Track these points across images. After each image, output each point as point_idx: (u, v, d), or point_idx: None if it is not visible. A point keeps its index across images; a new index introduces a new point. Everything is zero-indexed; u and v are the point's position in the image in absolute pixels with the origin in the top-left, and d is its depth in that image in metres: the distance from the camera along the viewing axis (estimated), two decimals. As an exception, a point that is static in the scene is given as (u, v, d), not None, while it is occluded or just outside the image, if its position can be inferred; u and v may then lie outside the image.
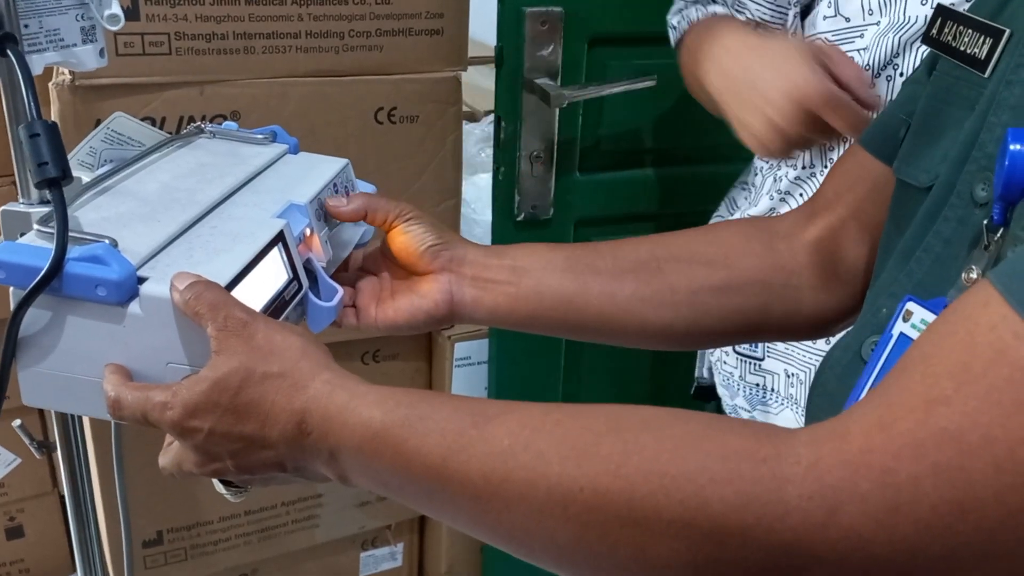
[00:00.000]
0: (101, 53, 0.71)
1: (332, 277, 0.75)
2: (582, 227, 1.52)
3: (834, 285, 0.77)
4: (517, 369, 1.55)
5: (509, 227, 1.47)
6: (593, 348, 1.54)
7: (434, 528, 1.68)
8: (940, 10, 0.64)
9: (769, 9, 1.07)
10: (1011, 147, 0.49)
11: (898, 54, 1.00)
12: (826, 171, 1.08)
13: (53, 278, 0.59)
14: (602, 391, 1.60)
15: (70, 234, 0.61)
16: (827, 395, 0.63)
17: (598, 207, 1.53)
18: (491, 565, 1.67)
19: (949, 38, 0.62)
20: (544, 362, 1.58)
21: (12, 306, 0.61)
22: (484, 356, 1.55)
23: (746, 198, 1.19)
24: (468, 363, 1.55)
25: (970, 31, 0.60)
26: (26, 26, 0.65)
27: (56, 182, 0.62)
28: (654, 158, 1.55)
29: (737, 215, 1.20)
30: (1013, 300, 0.41)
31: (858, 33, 1.02)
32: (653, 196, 1.56)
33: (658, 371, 1.62)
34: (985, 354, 0.41)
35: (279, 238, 0.68)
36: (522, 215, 1.47)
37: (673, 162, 1.56)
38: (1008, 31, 0.57)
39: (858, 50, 1.02)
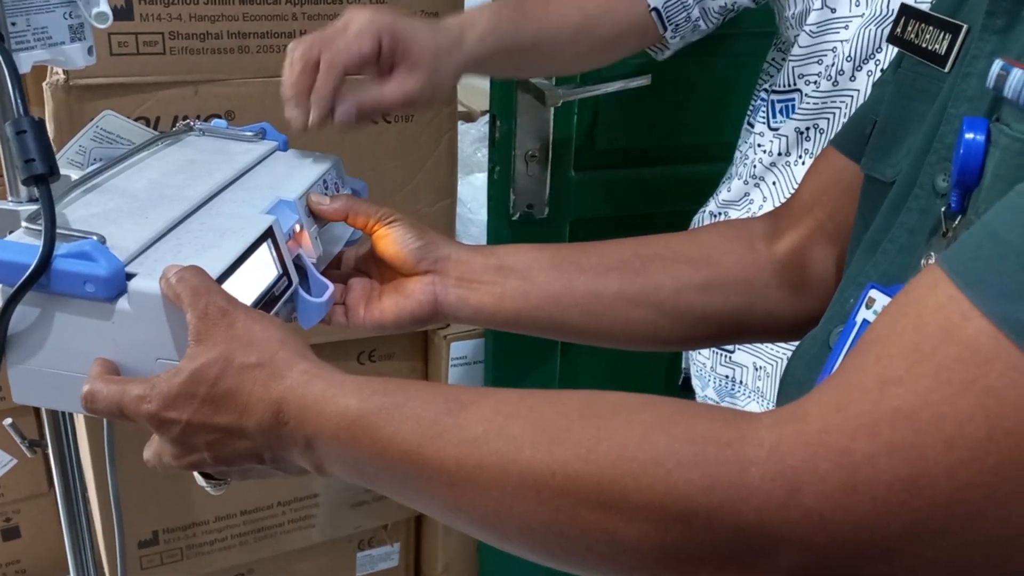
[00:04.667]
0: (90, 51, 0.71)
1: (324, 275, 0.75)
2: (577, 226, 1.53)
3: (810, 289, 0.78)
4: (512, 369, 1.55)
5: (504, 226, 1.47)
6: (588, 348, 1.54)
7: (430, 527, 1.68)
8: (904, 9, 0.66)
9: None
10: (966, 135, 0.50)
11: (880, 48, 1.00)
12: (800, 159, 1.09)
13: (41, 275, 0.59)
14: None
15: (58, 231, 0.61)
16: (795, 383, 0.65)
17: (593, 206, 1.53)
18: (487, 564, 1.67)
19: (912, 36, 0.64)
20: (540, 362, 1.58)
21: (0, 303, 0.61)
22: (480, 356, 1.55)
23: (727, 186, 1.20)
24: (464, 363, 1.55)
25: (931, 28, 0.62)
26: (13, 24, 0.65)
27: (43, 178, 0.62)
28: (649, 157, 1.55)
29: (712, 203, 1.21)
30: (959, 281, 0.42)
31: (843, 24, 1.03)
32: (648, 195, 1.56)
33: (654, 370, 1.62)
34: (934, 334, 0.42)
35: (268, 234, 0.68)
36: (517, 214, 1.47)
37: (668, 161, 1.56)
38: (966, 26, 0.59)
39: (841, 41, 1.02)
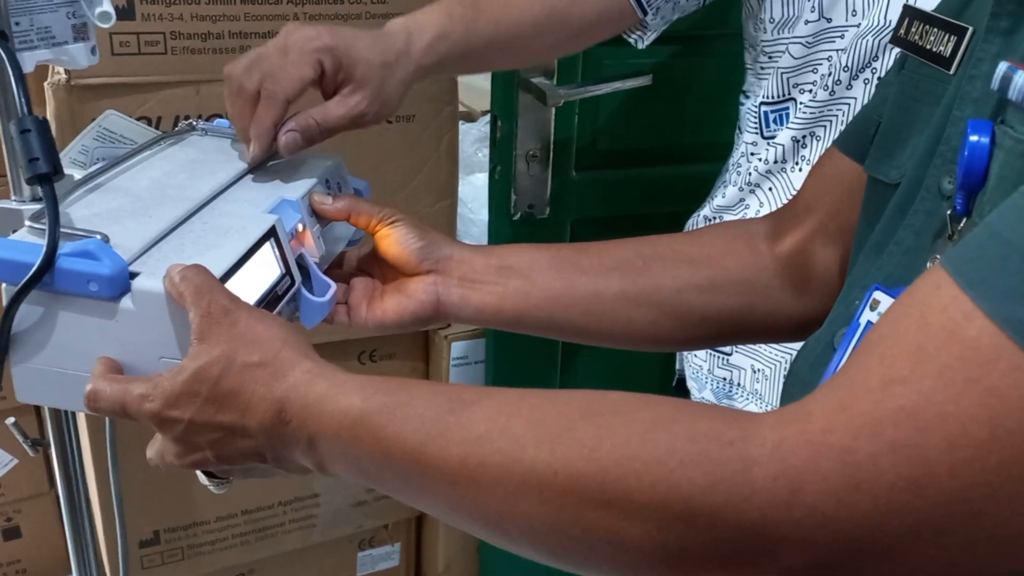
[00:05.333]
0: (93, 51, 0.72)
1: (326, 274, 0.75)
2: (578, 226, 1.53)
3: (812, 290, 0.78)
4: (513, 369, 1.55)
5: (505, 227, 1.48)
6: (589, 348, 1.54)
7: (431, 527, 1.68)
8: (907, 10, 0.66)
9: None
10: (971, 138, 0.50)
11: (876, 57, 1.00)
12: (796, 167, 1.09)
13: (45, 274, 0.60)
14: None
15: (62, 230, 0.61)
16: (800, 384, 0.65)
17: (594, 206, 1.53)
18: (488, 564, 1.68)
19: (916, 37, 0.64)
20: (540, 361, 1.58)
21: (4, 302, 0.61)
22: (481, 356, 1.55)
23: (722, 193, 1.20)
24: (465, 363, 1.55)
25: (936, 30, 0.62)
26: (17, 23, 0.65)
27: (47, 178, 0.62)
28: (650, 157, 1.55)
29: (707, 208, 1.21)
30: (963, 281, 0.43)
31: (839, 34, 1.03)
32: (649, 195, 1.56)
33: (653, 369, 1.63)
34: (938, 334, 0.42)
35: (271, 233, 0.68)
36: (518, 214, 1.47)
37: (669, 161, 1.56)
38: (971, 28, 0.59)
39: (837, 51, 1.03)
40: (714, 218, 1.19)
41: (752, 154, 1.14)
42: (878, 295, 0.58)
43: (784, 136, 1.10)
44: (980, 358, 0.41)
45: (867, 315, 0.59)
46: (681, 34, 1.43)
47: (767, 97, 1.11)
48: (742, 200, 1.16)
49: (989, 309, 0.41)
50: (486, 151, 1.73)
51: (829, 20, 1.03)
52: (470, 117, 1.98)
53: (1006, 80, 0.49)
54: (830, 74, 1.03)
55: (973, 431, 0.40)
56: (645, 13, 1.07)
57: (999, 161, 0.50)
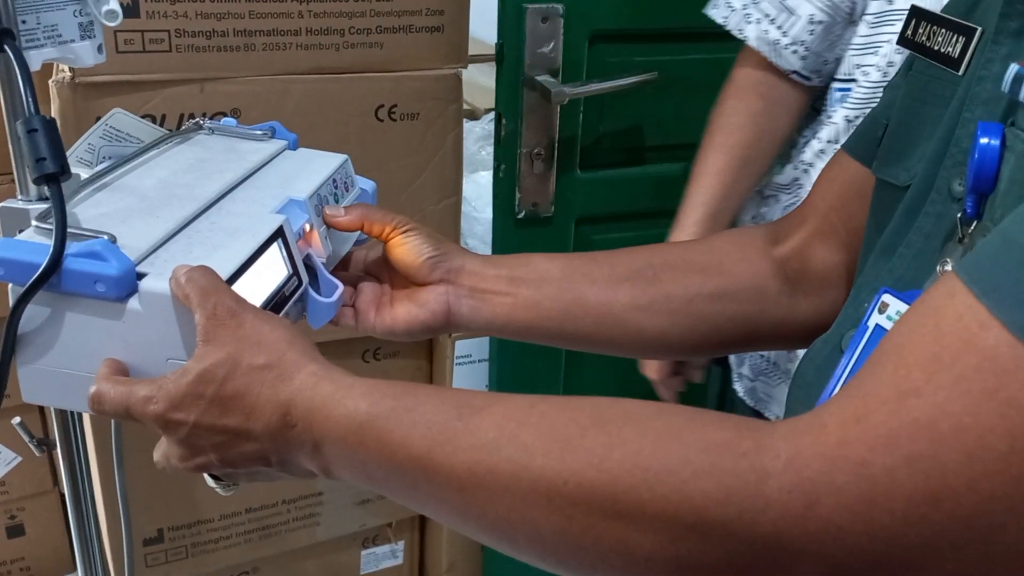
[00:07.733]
0: (99, 49, 0.71)
1: (334, 275, 0.74)
2: (583, 225, 1.52)
3: (820, 294, 0.77)
4: (517, 367, 1.55)
5: (510, 225, 1.47)
6: (594, 346, 1.54)
7: (435, 526, 1.68)
8: (914, 11, 0.65)
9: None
10: (980, 140, 0.50)
11: None
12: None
13: (52, 274, 0.59)
14: (602, 389, 1.59)
15: (68, 230, 0.61)
16: (805, 386, 0.64)
17: (599, 205, 1.53)
18: (492, 563, 1.67)
19: (924, 38, 0.63)
20: (544, 361, 1.58)
21: (11, 303, 0.61)
22: (485, 354, 1.55)
23: (778, 169, 1.22)
24: (468, 361, 1.54)
25: (944, 31, 0.61)
26: (23, 22, 0.65)
27: (54, 178, 0.62)
28: (655, 155, 1.55)
29: (762, 185, 1.23)
30: (977, 290, 0.42)
31: (899, 17, 1.05)
32: (655, 193, 1.56)
33: (659, 369, 1.62)
34: (953, 344, 0.42)
35: (279, 234, 0.68)
36: (523, 213, 1.46)
37: (674, 159, 1.55)
38: (980, 29, 0.58)
39: (895, 34, 1.03)
40: (770, 196, 1.21)
41: (814, 132, 1.17)
42: (887, 298, 0.58)
43: (839, 115, 1.11)
44: (997, 368, 0.40)
45: (875, 318, 0.58)
46: (686, 31, 1.44)
47: (840, 75, 1.13)
48: (796, 180, 1.18)
49: (1005, 318, 0.40)
50: (490, 149, 1.72)
51: (891, 2, 1.05)
52: (474, 115, 1.98)
53: (1017, 82, 0.49)
54: (887, 55, 1.04)
55: (991, 443, 0.40)
56: (809, 80, 1.14)
57: (1010, 165, 0.49)
